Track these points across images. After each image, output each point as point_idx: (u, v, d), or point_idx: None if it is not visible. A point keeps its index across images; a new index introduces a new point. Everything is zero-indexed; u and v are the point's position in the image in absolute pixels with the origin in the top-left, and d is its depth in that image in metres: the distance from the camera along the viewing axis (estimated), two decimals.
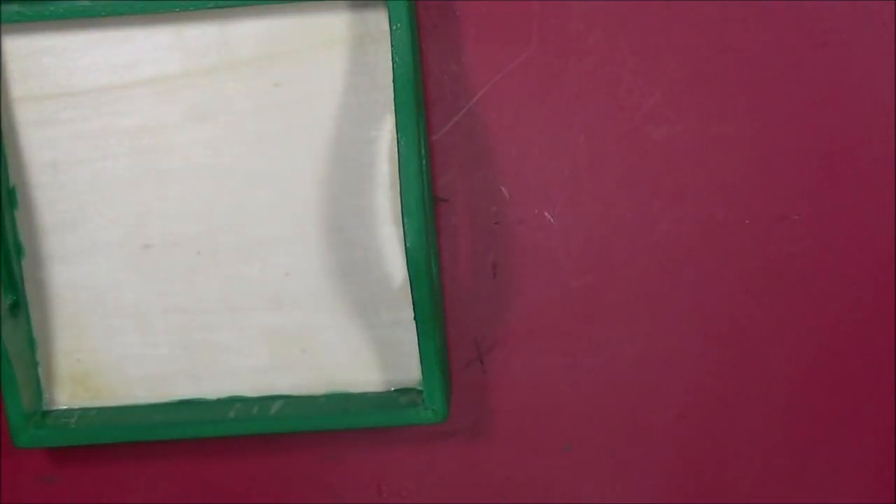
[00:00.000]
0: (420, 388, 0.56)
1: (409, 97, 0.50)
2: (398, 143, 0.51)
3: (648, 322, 0.56)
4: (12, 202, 0.55)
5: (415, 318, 0.53)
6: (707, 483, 0.58)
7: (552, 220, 0.55)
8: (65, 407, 0.58)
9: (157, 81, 0.54)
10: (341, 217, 0.55)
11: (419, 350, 0.54)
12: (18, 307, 0.56)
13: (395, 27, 0.50)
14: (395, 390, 0.57)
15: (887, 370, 0.56)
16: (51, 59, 0.54)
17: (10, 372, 0.55)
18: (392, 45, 0.50)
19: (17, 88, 0.54)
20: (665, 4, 0.52)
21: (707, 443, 0.58)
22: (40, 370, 0.57)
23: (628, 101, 0.53)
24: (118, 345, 0.57)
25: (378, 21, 0.52)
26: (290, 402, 0.57)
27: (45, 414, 0.57)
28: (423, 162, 0.53)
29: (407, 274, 0.52)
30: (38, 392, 0.57)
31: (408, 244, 0.52)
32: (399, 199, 0.52)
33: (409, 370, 0.57)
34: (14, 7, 0.51)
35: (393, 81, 0.50)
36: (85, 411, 0.57)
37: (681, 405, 0.57)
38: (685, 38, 0.53)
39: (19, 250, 0.56)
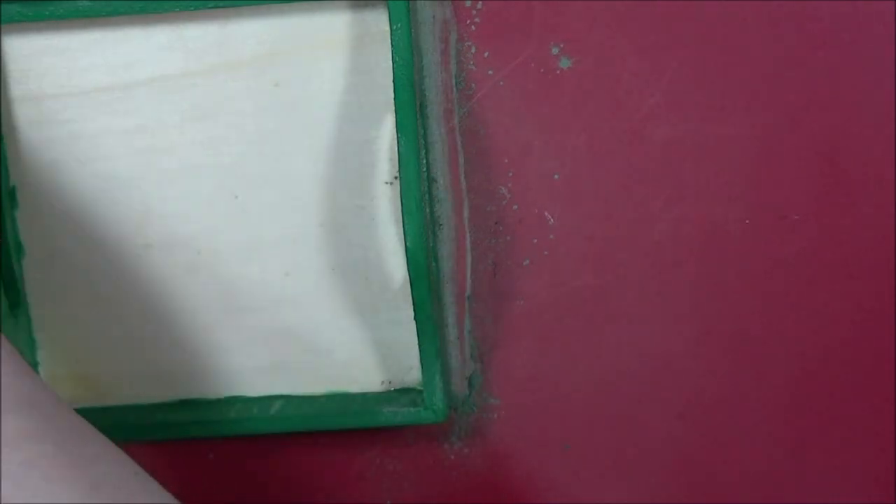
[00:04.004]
0: (420, 388, 0.56)
1: (409, 97, 0.50)
2: (398, 143, 0.51)
3: (648, 322, 0.56)
4: (12, 202, 0.55)
5: (415, 318, 0.53)
6: (707, 483, 0.58)
7: (552, 220, 0.55)
8: None
9: (156, 81, 0.54)
10: (341, 217, 0.55)
11: (419, 350, 0.54)
12: (18, 307, 0.56)
13: (395, 27, 0.50)
14: (395, 390, 0.57)
15: (887, 370, 0.56)
16: (51, 59, 0.54)
17: None
18: (392, 45, 0.50)
19: (17, 88, 0.54)
20: (665, 4, 0.52)
21: (707, 443, 0.58)
22: (40, 370, 0.57)
23: (628, 101, 0.53)
24: (118, 344, 0.57)
25: (378, 21, 0.52)
26: (290, 402, 0.57)
27: None
28: (423, 162, 0.53)
29: (407, 274, 0.52)
30: None
31: (408, 244, 0.52)
32: (399, 199, 0.52)
33: (409, 370, 0.57)
34: (14, 7, 0.51)
35: (393, 81, 0.50)
36: (85, 411, 0.57)
37: (681, 405, 0.57)
38: (685, 37, 0.53)
39: (19, 250, 0.56)
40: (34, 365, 0.57)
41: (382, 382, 0.57)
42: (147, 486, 0.46)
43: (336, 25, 0.53)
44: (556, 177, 0.55)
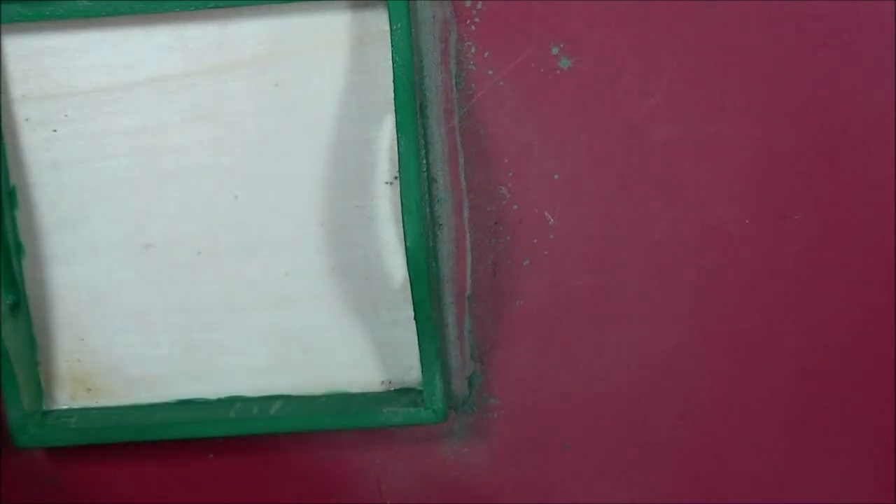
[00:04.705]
0: (420, 388, 0.56)
1: (409, 97, 0.50)
2: (398, 143, 0.51)
3: (648, 322, 0.56)
4: (12, 202, 0.55)
5: (415, 318, 0.53)
6: (707, 483, 0.58)
7: (552, 220, 0.55)
8: (65, 407, 0.58)
9: (157, 81, 0.54)
10: (341, 217, 0.55)
11: (419, 350, 0.54)
12: (18, 307, 0.56)
13: (395, 27, 0.50)
14: (395, 390, 0.57)
15: (887, 370, 0.56)
16: (51, 59, 0.54)
17: (10, 372, 0.55)
18: (392, 45, 0.50)
19: (17, 88, 0.54)
20: (665, 4, 0.52)
21: (707, 443, 0.58)
22: (40, 370, 0.57)
23: (628, 101, 0.53)
24: (118, 345, 0.57)
25: (378, 21, 0.52)
26: (290, 402, 0.57)
27: (45, 414, 0.57)
28: (423, 162, 0.53)
29: (407, 274, 0.52)
30: (38, 392, 0.57)
31: (408, 244, 0.52)
32: (399, 199, 0.52)
33: (409, 370, 0.57)
34: (14, 7, 0.51)
35: (393, 81, 0.50)
36: (85, 411, 0.57)
37: (681, 405, 0.57)
38: (685, 38, 0.53)
39: (19, 250, 0.56)
40: (34, 365, 0.57)
41: (382, 382, 0.57)
42: None
43: (336, 25, 0.53)
44: (556, 177, 0.55)
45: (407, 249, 0.52)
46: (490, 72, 0.53)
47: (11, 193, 0.55)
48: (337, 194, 0.55)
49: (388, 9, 0.50)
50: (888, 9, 0.52)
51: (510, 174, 0.55)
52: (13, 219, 0.55)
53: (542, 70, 0.53)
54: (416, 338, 0.54)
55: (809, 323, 0.56)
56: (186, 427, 0.56)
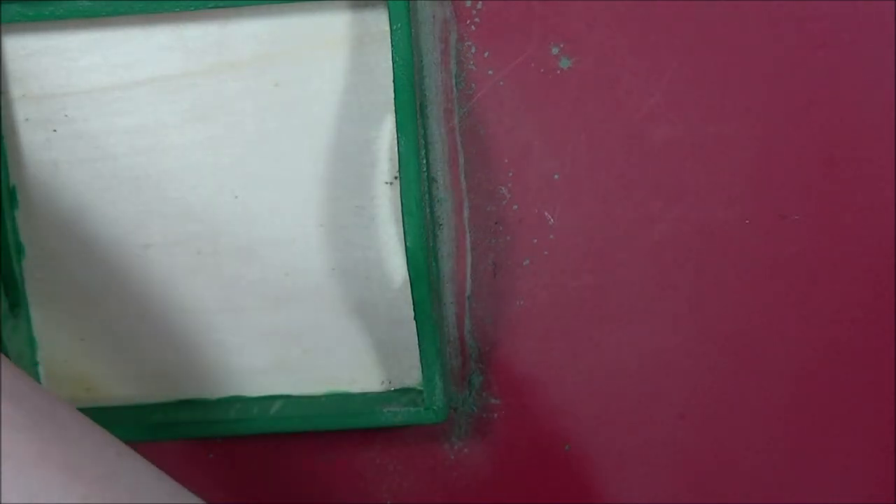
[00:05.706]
0: (420, 388, 0.56)
1: (409, 97, 0.50)
2: (398, 143, 0.51)
3: (648, 322, 0.56)
4: (12, 202, 0.55)
5: (415, 318, 0.53)
6: (707, 483, 0.58)
7: (552, 220, 0.55)
8: None
9: (157, 81, 0.54)
10: (341, 217, 0.55)
11: (419, 350, 0.54)
12: (18, 307, 0.56)
13: (395, 27, 0.50)
14: (395, 390, 0.57)
15: (887, 370, 0.56)
16: (51, 59, 0.54)
17: None
18: (392, 45, 0.50)
19: (17, 88, 0.54)
20: (665, 4, 0.52)
21: (707, 443, 0.58)
22: (40, 370, 0.57)
23: (628, 101, 0.53)
24: (118, 345, 0.57)
25: (378, 21, 0.52)
26: (290, 402, 0.57)
27: None
28: (423, 162, 0.53)
29: (407, 274, 0.52)
30: None
31: (408, 244, 0.52)
32: (399, 199, 0.52)
33: (409, 370, 0.57)
34: (14, 7, 0.51)
35: (393, 81, 0.50)
36: (85, 411, 0.57)
37: (681, 405, 0.57)
38: (685, 38, 0.53)
39: (19, 250, 0.56)
40: (34, 365, 0.57)
41: (382, 382, 0.57)
42: (131, 465, 0.45)
43: (336, 25, 0.53)
44: (556, 177, 0.55)
45: (407, 249, 0.52)
46: (490, 72, 0.53)
47: (11, 193, 0.55)
48: (337, 194, 0.55)
49: (388, 9, 0.50)
50: (888, 9, 0.52)
51: (510, 174, 0.55)
52: (13, 219, 0.55)
53: (542, 70, 0.53)
54: (416, 338, 0.54)
55: (809, 323, 0.56)
56: (186, 427, 0.56)
